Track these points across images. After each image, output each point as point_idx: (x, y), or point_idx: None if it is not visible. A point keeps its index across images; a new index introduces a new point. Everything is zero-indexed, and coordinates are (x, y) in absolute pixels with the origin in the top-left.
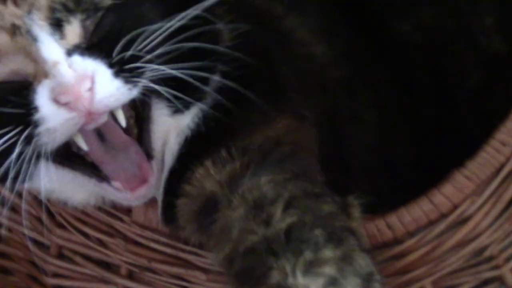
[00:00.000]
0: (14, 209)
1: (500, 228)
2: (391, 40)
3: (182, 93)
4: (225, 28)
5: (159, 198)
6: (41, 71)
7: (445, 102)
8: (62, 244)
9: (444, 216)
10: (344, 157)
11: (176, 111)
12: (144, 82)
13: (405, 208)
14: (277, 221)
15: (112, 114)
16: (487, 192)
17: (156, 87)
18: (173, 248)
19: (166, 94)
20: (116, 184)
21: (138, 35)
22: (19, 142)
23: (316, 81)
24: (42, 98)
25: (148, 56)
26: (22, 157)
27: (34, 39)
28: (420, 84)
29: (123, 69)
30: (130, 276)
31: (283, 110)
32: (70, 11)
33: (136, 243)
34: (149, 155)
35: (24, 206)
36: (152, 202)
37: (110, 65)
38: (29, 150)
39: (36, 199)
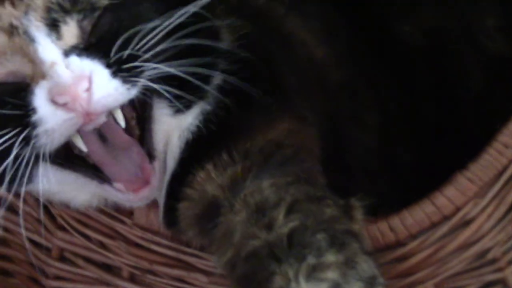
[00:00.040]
0: (16, 211)
1: (503, 231)
2: (392, 41)
3: (182, 92)
4: (225, 27)
5: (161, 202)
6: (39, 72)
7: (446, 103)
8: (63, 246)
9: (446, 218)
10: (345, 159)
11: (178, 111)
12: (143, 81)
13: (408, 210)
14: (280, 225)
15: (113, 115)
16: (490, 195)
17: (155, 86)
18: (174, 250)
19: (164, 93)
20: (118, 185)
21: (135, 34)
22: (17, 143)
23: (317, 82)
24: (40, 99)
25: (146, 55)
26: (21, 159)
27: (31, 40)
28: (421, 85)
29: (121, 68)
30: (132, 278)
31: (284, 112)
32: (66, 11)
33: (138, 246)
34: (151, 156)
35: (22, 207)
36: (153, 204)
37: (108, 65)
38: (27, 152)
39: (37, 201)
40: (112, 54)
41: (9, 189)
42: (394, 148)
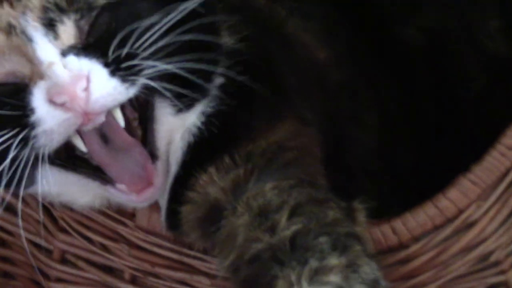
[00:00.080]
0: (16, 213)
1: (506, 233)
2: (392, 41)
3: (183, 89)
4: (225, 26)
5: (163, 205)
6: (37, 72)
7: (446, 103)
8: (65, 248)
9: (449, 221)
10: (345, 159)
11: (180, 110)
12: (142, 80)
13: (410, 213)
14: (282, 228)
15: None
16: (493, 197)
17: (154, 84)
18: (177, 253)
19: (164, 91)
20: (121, 186)
21: (133, 32)
22: (15, 144)
23: (318, 83)
24: (38, 100)
25: (145, 53)
26: (20, 160)
27: (29, 40)
28: (422, 85)
29: (119, 67)
30: (134, 281)
31: (286, 114)
32: (63, 11)
33: (140, 248)
34: (153, 156)
35: (20, 206)
36: (156, 206)
37: (106, 64)
38: (26, 153)
39: (38, 202)
40: (110, 53)
41: (9, 191)
42: (394, 149)
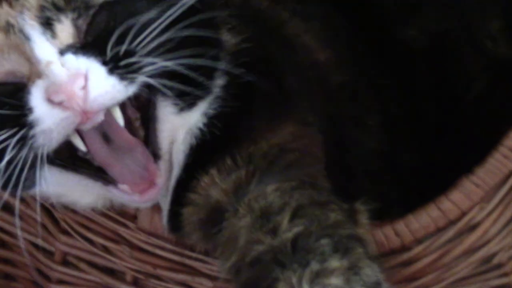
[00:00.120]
0: (19, 215)
1: (509, 235)
2: (395, 45)
3: (183, 86)
4: (225, 23)
5: (165, 207)
6: (35, 71)
7: (449, 105)
8: (66, 250)
9: (452, 223)
10: (346, 160)
11: (183, 109)
12: (141, 78)
13: (413, 215)
14: (284, 230)
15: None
16: (496, 199)
17: (153, 82)
18: (179, 255)
19: (164, 90)
20: (123, 187)
21: (131, 29)
22: (12, 144)
23: (320, 86)
24: (36, 99)
25: (143, 50)
26: (20, 160)
27: (27, 38)
28: (424, 87)
29: (118, 65)
30: (136, 283)
31: (288, 116)
32: (60, 9)
33: (142, 250)
34: (156, 156)
35: (17, 206)
36: (157, 208)
37: (104, 62)
38: (25, 153)
39: (40, 205)
40: (108, 51)
41: (11, 192)
42: (395, 149)
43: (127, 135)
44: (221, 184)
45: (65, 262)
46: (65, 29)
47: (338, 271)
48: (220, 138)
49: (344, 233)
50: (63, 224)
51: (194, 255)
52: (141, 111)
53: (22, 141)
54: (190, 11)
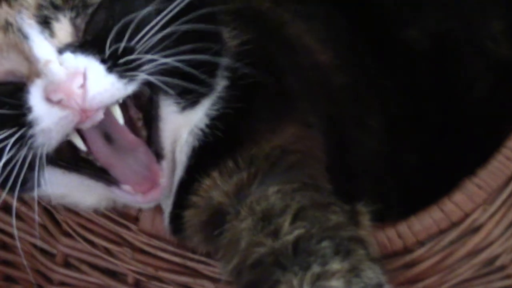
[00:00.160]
0: (21, 217)
1: None
2: (396, 45)
3: (187, 88)
4: (226, 29)
5: (167, 209)
6: (34, 71)
7: (451, 106)
8: (68, 252)
9: (455, 225)
10: (348, 162)
11: (185, 107)
12: (142, 75)
13: (416, 216)
14: (285, 233)
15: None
16: (499, 201)
17: (153, 80)
18: (180, 257)
19: (165, 87)
20: (126, 187)
21: (129, 25)
22: (10, 143)
23: (321, 86)
24: (35, 98)
25: (143, 47)
26: (16, 160)
27: (25, 37)
28: (426, 88)
29: (117, 63)
30: (137, 285)
31: (290, 117)
32: (58, 8)
33: (143, 252)
34: (159, 155)
35: (15, 205)
36: (159, 210)
37: (103, 61)
38: (24, 153)
39: (40, 206)
40: (106, 49)
41: (10, 193)
42: (397, 151)
43: (129, 135)
44: (223, 186)
45: (66, 264)
46: (64, 28)
47: (339, 273)
48: (222, 140)
49: (346, 235)
50: (64, 226)
51: (196, 257)
52: (143, 111)
53: (21, 140)
54: (189, 7)
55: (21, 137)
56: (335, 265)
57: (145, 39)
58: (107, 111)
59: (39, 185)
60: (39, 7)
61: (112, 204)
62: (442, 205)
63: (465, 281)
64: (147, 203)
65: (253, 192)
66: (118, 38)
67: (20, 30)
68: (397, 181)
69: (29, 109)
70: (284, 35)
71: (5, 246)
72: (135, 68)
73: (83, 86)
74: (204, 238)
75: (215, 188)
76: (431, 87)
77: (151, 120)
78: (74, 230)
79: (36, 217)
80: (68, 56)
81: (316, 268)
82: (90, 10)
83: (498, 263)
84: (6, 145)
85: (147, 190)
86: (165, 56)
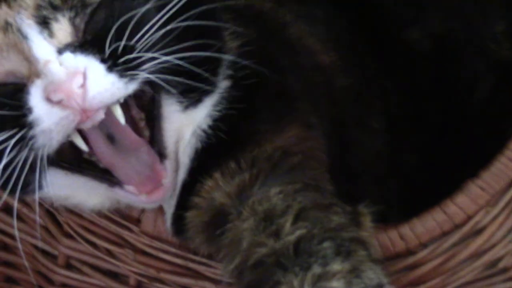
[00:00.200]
0: (22, 218)
1: None
2: (399, 48)
3: (189, 87)
4: (227, 31)
5: (169, 211)
6: (34, 71)
7: (453, 108)
8: (70, 254)
9: (457, 227)
10: (350, 164)
11: (188, 106)
12: (142, 74)
13: (418, 218)
14: (287, 233)
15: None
16: (502, 203)
17: (154, 78)
18: (182, 258)
19: (167, 86)
20: (129, 188)
21: (128, 24)
22: (11, 145)
23: (323, 88)
24: (35, 99)
25: (143, 46)
26: (17, 161)
27: (25, 37)
28: (428, 90)
29: (117, 62)
30: (139, 286)
31: (292, 119)
32: (56, 8)
33: (145, 253)
34: (162, 155)
35: (15, 207)
36: (161, 211)
37: (103, 60)
38: (25, 154)
39: (42, 207)
40: (106, 48)
41: (10, 194)
42: (400, 152)
43: (131, 135)
44: (225, 187)
45: (68, 266)
46: (63, 28)
47: (339, 274)
48: (224, 141)
49: (347, 236)
50: (66, 227)
51: (197, 258)
52: (145, 111)
53: (22, 142)
54: (188, 4)
55: (22, 139)
56: (336, 265)
57: (145, 37)
58: (109, 111)
59: (41, 187)
60: (38, 7)
61: (116, 204)
62: (444, 207)
63: (467, 284)
64: (151, 203)
65: (255, 193)
66: (118, 37)
67: (19, 30)
68: (398, 181)
69: (30, 110)
70: (285, 36)
71: (6, 247)
72: (136, 67)
73: (83, 85)
74: (206, 238)
75: (217, 189)
76: (432, 87)
77: (153, 119)
78: (76, 232)
79: (37, 219)
80: (68, 56)
81: (317, 269)
82: (89, 10)
83: (500, 265)
84: (7, 147)
85: (151, 190)
86: (166, 54)
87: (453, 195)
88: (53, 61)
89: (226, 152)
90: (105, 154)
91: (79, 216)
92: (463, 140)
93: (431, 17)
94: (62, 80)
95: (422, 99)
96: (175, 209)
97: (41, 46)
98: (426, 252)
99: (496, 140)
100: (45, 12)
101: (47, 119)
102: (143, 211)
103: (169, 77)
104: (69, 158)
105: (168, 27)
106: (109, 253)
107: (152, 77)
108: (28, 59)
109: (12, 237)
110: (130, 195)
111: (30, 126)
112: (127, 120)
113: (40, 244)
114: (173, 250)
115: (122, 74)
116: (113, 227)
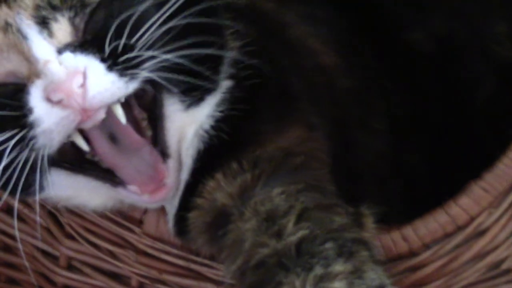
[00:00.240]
0: (23, 219)
1: None
2: (402, 49)
3: (191, 85)
4: (229, 31)
5: (171, 212)
6: (34, 71)
7: (456, 109)
8: (71, 255)
9: (460, 228)
10: (353, 165)
11: (190, 105)
12: (143, 73)
13: (421, 220)
14: (289, 234)
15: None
16: (505, 204)
17: (155, 77)
18: (184, 259)
19: (168, 85)
20: (132, 188)
21: (128, 22)
22: (11, 145)
23: (325, 88)
24: (36, 99)
25: (143, 44)
26: (18, 162)
27: (24, 38)
28: (431, 92)
29: (117, 62)
30: (141, 287)
31: (294, 119)
32: (55, 8)
33: (147, 255)
34: (164, 155)
35: (16, 208)
36: (163, 213)
37: (103, 59)
38: (25, 155)
39: (44, 208)
40: (106, 47)
41: (11, 195)
42: (404, 155)
43: (133, 135)
44: (227, 188)
45: (70, 267)
46: (62, 28)
47: (341, 275)
48: (226, 142)
49: (349, 236)
50: (68, 228)
51: (199, 260)
52: (147, 110)
53: (22, 142)
54: (189, 1)
55: (22, 139)
56: (338, 266)
57: (145, 36)
58: (110, 111)
59: (42, 188)
60: (37, 7)
61: (119, 204)
62: (447, 209)
63: (470, 285)
64: (154, 203)
65: (257, 194)
66: (118, 36)
67: (19, 30)
68: (400, 182)
69: (30, 110)
70: (287, 37)
71: (8, 248)
72: (136, 66)
73: (83, 85)
74: (208, 239)
75: (219, 189)
76: (433, 88)
77: (155, 119)
78: (78, 233)
79: (39, 219)
80: (68, 55)
81: (318, 270)
82: (88, 10)
83: (503, 266)
84: (7, 147)
85: (153, 190)
86: (166, 52)
87: (455, 197)
88: (53, 61)
89: (228, 153)
90: (107, 154)
91: (81, 217)
92: (465, 140)
93: (432, 17)
94: (62, 80)
95: (423, 99)
96: (177, 210)
97: (41, 46)
98: (429, 253)
99: (498, 140)
100: (44, 12)
101: (48, 119)
102: (145, 212)
103: (171, 76)
104: (72, 158)
105: (168, 25)
106: (111, 254)
107: (153, 75)
108: (28, 59)
109: (13, 238)
110: (133, 195)
111: (31, 126)
112: (129, 120)
113: (41, 245)
114: (175, 251)
115: (122, 73)
116: (115, 228)
